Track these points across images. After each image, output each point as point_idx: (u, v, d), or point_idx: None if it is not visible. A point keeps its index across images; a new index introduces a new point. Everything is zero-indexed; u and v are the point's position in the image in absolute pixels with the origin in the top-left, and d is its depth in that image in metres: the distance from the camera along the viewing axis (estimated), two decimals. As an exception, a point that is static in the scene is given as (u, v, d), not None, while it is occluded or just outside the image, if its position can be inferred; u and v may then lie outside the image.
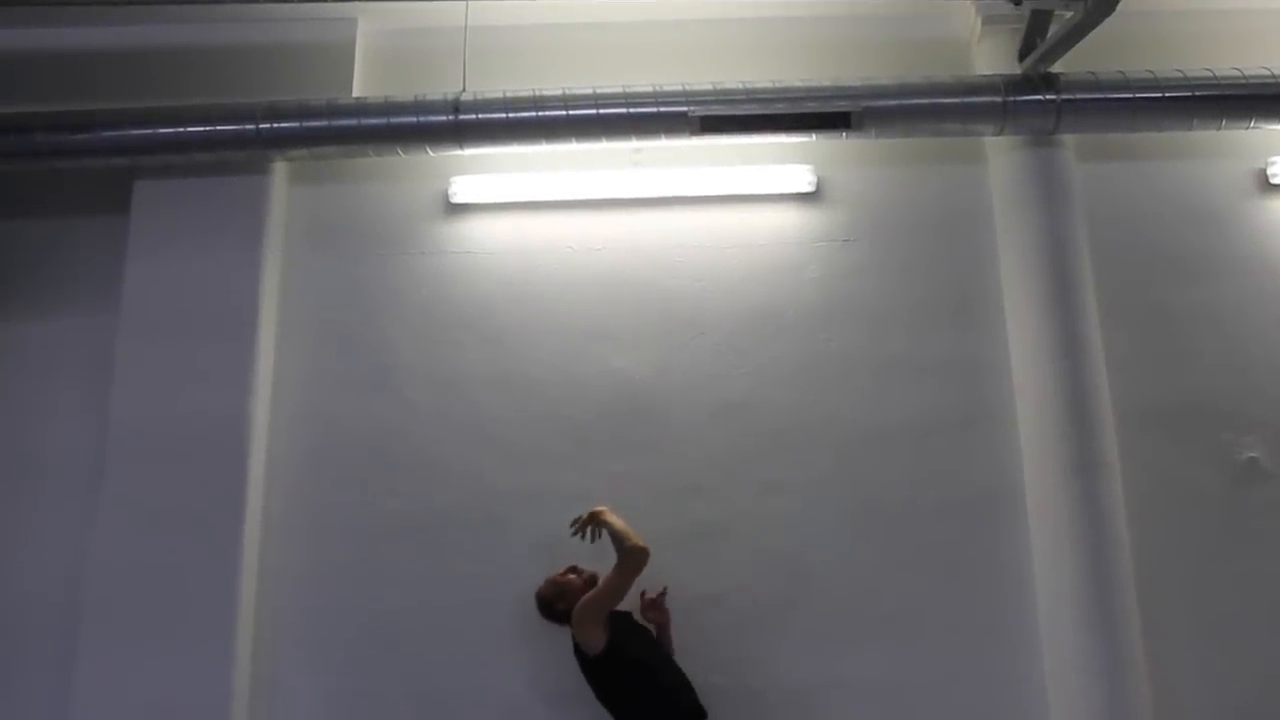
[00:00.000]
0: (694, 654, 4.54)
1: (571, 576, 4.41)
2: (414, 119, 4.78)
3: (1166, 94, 4.74)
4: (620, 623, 4.28)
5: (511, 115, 4.76)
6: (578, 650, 4.26)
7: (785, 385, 4.94)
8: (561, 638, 4.42)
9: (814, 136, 4.88)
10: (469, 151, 4.88)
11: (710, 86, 4.79)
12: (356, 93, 5.19)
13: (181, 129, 4.81)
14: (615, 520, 4.33)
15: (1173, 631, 4.59)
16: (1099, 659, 4.39)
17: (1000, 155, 5.07)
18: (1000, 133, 4.89)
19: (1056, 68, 4.78)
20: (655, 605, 4.50)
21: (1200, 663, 4.59)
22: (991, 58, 5.08)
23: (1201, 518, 4.76)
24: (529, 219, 5.17)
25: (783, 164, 5.14)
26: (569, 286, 5.07)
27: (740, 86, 4.79)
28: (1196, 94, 4.74)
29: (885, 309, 5.03)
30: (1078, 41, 4.53)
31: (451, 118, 4.76)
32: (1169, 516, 4.75)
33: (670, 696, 4.18)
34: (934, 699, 4.57)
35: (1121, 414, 4.75)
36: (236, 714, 4.49)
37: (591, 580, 4.37)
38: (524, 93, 4.79)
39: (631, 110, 4.76)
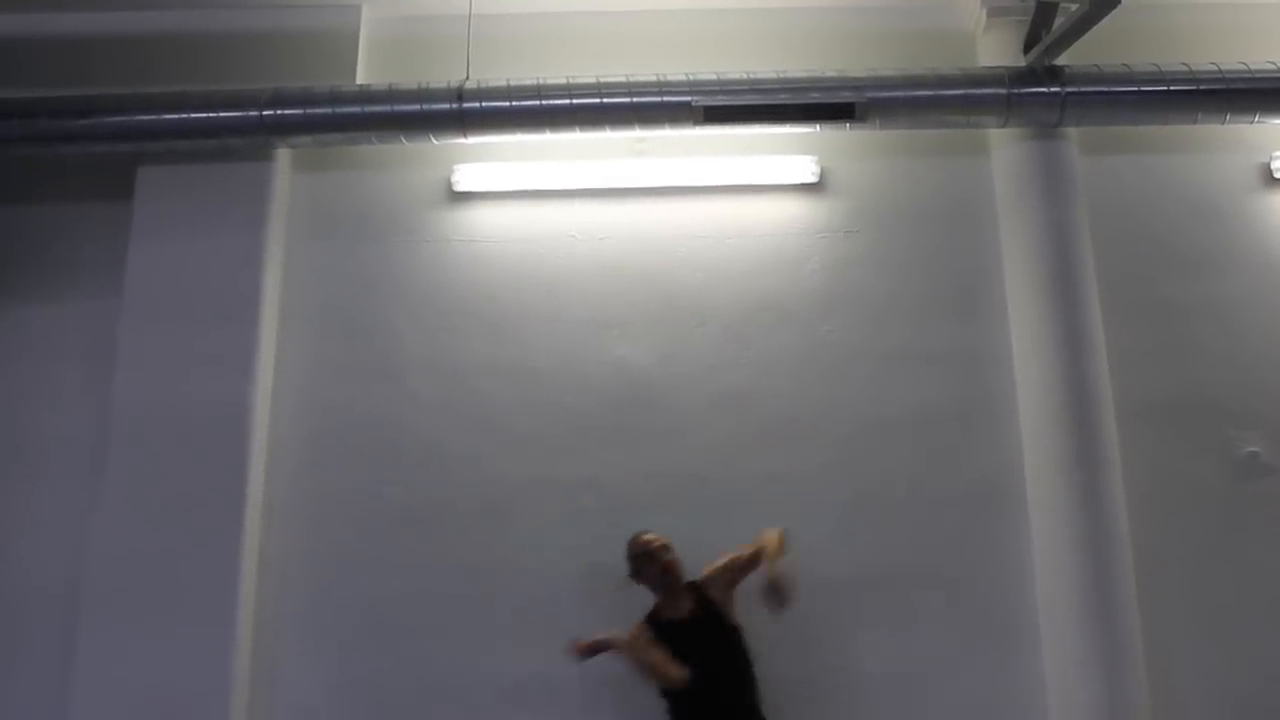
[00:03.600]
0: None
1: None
2: (417, 107, 4.79)
3: (1171, 87, 4.75)
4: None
5: (515, 104, 4.77)
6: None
7: (787, 375, 4.94)
8: (563, 626, 4.47)
9: (818, 127, 4.88)
10: (472, 140, 4.89)
11: (714, 76, 4.79)
12: (360, 80, 5.18)
13: (185, 115, 4.83)
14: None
15: (1172, 624, 4.60)
16: (1098, 651, 4.40)
17: (1004, 147, 5.06)
18: (1004, 125, 4.89)
19: (1061, 60, 4.78)
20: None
21: (1199, 655, 4.60)
22: (996, 50, 5.07)
23: (1202, 511, 4.77)
24: (532, 207, 5.17)
25: (786, 154, 5.13)
26: (572, 275, 5.08)
27: (744, 76, 4.79)
28: (1201, 88, 4.75)
29: (887, 300, 5.03)
30: (1083, 34, 4.53)
31: (455, 106, 4.77)
32: (1169, 510, 4.75)
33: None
34: (933, 689, 4.58)
35: (1123, 407, 4.75)
36: (236, 700, 4.50)
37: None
38: (527, 81, 4.80)
39: (635, 99, 4.76)
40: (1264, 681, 4.59)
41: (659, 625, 4.24)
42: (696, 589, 4.31)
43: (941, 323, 4.99)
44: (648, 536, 4.35)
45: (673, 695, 4.15)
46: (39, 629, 4.74)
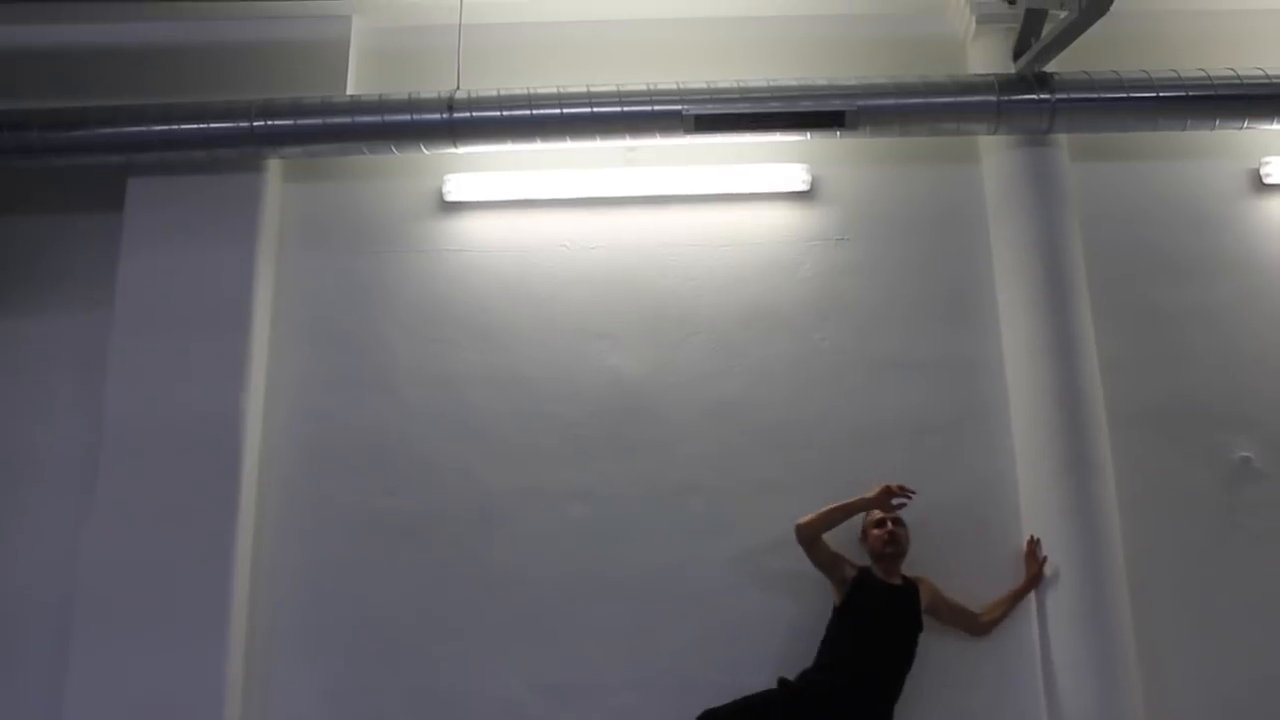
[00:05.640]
0: (689, 652, 4.59)
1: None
2: (408, 117, 4.79)
3: (1160, 94, 4.76)
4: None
5: (506, 113, 4.77)
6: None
7: (779, 384, 4.95)
8: (556, 637, 4.46)
9: (808, 135, 4.89)
10: (463, 149, 4.89)
11: (704, 85, 4.80)
12: (351, 90, 5.19)
13: (176, 126, 4.83)
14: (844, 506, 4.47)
15: (1165, 629, 4.60)
16: (1092, 656, 4.40)
17: (994, 154, 5.07)
18: (994, 132, 4.90)
19: (1050, 67, 4.79)
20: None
21: (1192, 661, 4.60)
22: (986, 57, 5.09)
23: (1194, 517, 4.77)
24: (523, 217, 5.17)
25: (777, 163, 5.13)
26: (563, 285, 5.08)
27: (734, 85, 4.80)
28: (1190, 94, 4.75)
29: (879, 308, 5.03)
30: (1072, 41, 4.54)
31: (445, 116, 4.77)
32: (1161, 516, 4.75)
33: None
34: (929, 696, 4.56)
35: (1114, 413, 4.76)
36: (230, 710, 4.49)
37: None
38: (518, 91, 4.80)
39: (626, 109, 4.77)
40: (1257, 685, 4.59)
41: (869, 578, 4.45)
42: (910, 580, 4.52)
43: (933, 330, 5.00)
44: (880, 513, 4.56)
45: (844, 630, 4.38)
46: (32, 639, 4.73)
